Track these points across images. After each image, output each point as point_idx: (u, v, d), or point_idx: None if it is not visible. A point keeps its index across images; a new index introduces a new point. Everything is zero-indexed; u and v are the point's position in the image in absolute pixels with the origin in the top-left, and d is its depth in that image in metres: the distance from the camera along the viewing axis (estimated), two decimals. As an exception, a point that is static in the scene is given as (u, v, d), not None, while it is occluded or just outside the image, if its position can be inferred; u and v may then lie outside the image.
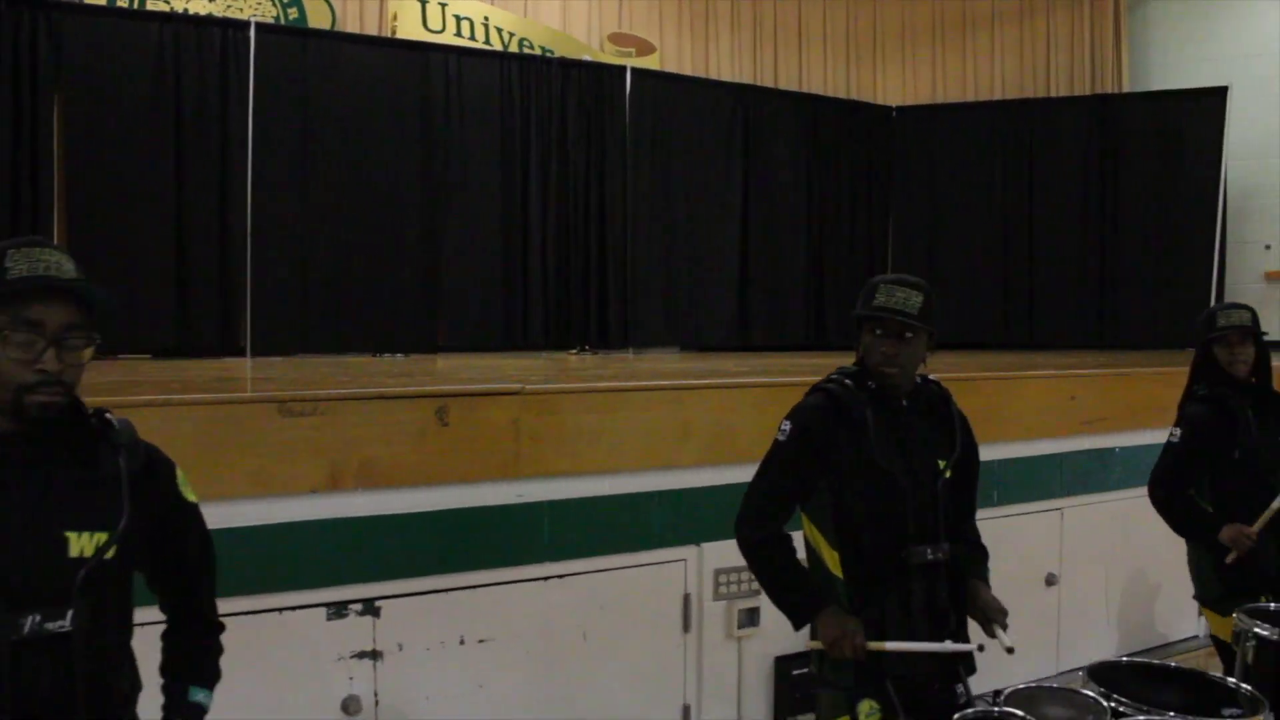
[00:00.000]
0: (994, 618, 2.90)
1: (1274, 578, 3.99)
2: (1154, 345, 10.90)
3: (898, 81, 12.38)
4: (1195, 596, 4.22)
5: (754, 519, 3.05)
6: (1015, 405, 5.57)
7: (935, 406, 3.06)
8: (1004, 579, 5.67)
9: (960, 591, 3.02)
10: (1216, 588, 4.10)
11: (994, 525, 5.55)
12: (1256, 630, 3.34)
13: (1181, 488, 4.16)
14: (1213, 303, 10.92)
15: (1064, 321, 11.44)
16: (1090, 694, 2.75)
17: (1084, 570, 5.94)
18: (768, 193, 11.11)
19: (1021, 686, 2.83)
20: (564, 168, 10.08)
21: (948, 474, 2.99)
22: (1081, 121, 11.47)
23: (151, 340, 8.43)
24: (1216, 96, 11.03)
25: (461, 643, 4.13)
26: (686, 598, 4.57)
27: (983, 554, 3.17)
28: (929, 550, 2.93)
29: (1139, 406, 6.12)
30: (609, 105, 10.29)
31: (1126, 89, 12.03)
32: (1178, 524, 4.16)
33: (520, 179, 9.90)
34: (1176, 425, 4.19)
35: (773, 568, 3.03)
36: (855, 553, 2.96)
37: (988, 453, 5.47)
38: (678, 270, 10.62)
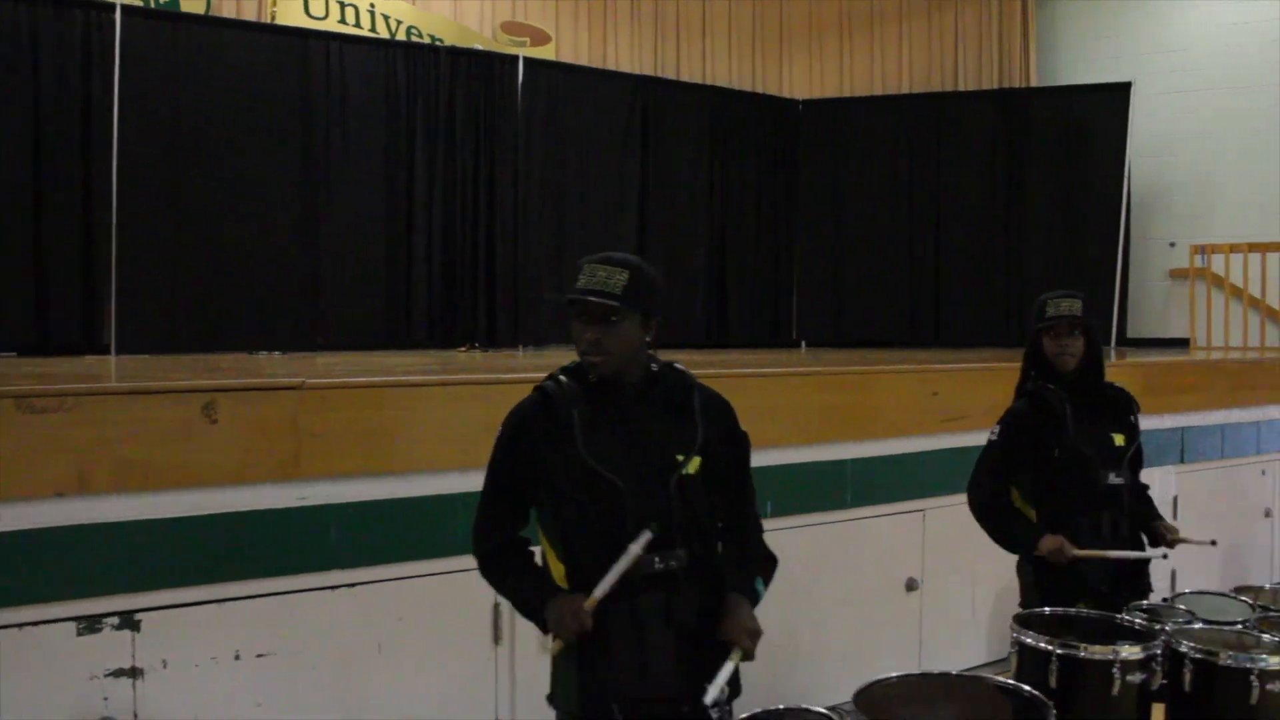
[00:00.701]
0: (734, 640, 2.60)
1: (1093, 588, 3.74)
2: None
3: (804, 74, 12.17)
4: (1020, 607, 3.96)
5: (478, 532, 2.78)
6: (873, 402, 5.31)
7: (674, 396, 2.76)
8: (860, 584, 5.50)
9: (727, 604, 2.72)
10: (1035, 597, 3.86)
11: (849, 528, 5.36)
12: (1022, 639, 3.12)
13: (1000, 490, 3.90)
14: (1117, 301, 10.81)
15: (971, 319, 11.28)
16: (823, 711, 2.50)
17: (948, 575, 5.70)
18: (668, 187, 10.84)
19: (759, 711, 2.55)
20: (452, 160, 9.74)
21: (689, 470, 2.69)
22: (988, 116, 11.33)
23: (12, 338, 8.03)
24: (1120, 92, 10.91)
25: (237, 658, 3.80)
26: (496, 607, 4.26)
27: (757, 562, 2.86)
28: (657, 559, 2.63)
29: (1006, 403, 5.88)
30: (500, 96, 9.97)
31: (1034, 84, 11.89)
32: (995, 531, 3.91)
33: (405, 171, 9.56)
34: (998, 422, 3.94)
35: (501, 578, 2.75)
36: (578, 565, 2.66)
37: (842, 451, 5.31)
38: (570, 265, 10.27)
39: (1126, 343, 11.00)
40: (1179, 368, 7.18)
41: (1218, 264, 10.80)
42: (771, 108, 11.64)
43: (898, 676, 2.97)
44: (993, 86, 11.85)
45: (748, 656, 2.59)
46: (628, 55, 11.27)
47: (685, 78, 11.46)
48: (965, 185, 11.32)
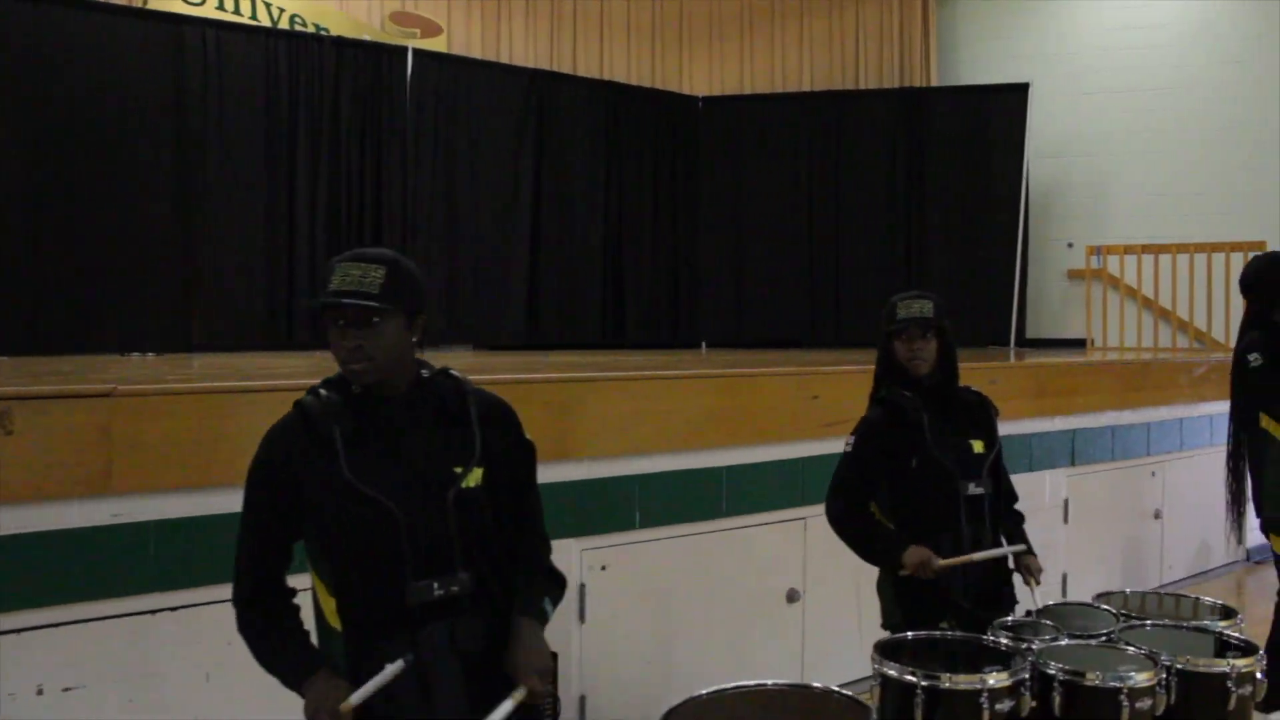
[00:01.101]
0: (519, 677, 2.36)
1: (957, 605, 3.55)
2: (960, 343, 10.62)
3: (705, 70, 11.98)
4: (882, 625, 3.75)
5: (236, 574, 2.48)
6: (749, 406, 5.09)
7: (448, 405, 2.51)
8: (739, 594, 5.29)
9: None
10: (896, 614, 3.66)
11: (725, 538, 5.15)
12: (885, 672, 2.90)
13: (857, 503, 3.68)
14: (1016, 302, 10.77)
15: (872, 319, 11.08)
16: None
17: (831, 585, 5.50)
18: (563, 184, 10.58)
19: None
20: (336, 156, 9.40)
21: (469, 483, 2.44)
22: (889, 115, 11.24)
23: None
24: (1019, 93, 10.90)
25: (40, 693, 3.46)
26: (338, 630, 3.96)
27: (545, 582, 2.64)
28: (436, 585, 2.38)
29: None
30: (388, 90, 9.64)
31: (935, 84, 11.82)
32: (857, 544, 3.69)
33: (287, 167, 9.19)
34: (852, 433, 3.72)
35: (259, 637, 2.45)
36: (351, 598, 2.40)
37: (717, 458, 5.08)
38: (462, 264, 10.01)
39: (1026, 343, 10.97)
40: (1070, 369, 7.08)
41: (1114, 265, 10.80)
42: (671, 104, 11.43)
43: (709, 693, 2.76)
44: (894, 85, 11.74)
45: (532, 698, 2.36)
46: (522, 48, 10.99)
47: (582, 72, 11.20)
48: (866, 184, 11.22)
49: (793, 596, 5.37)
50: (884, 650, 3.07)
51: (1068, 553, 6.92)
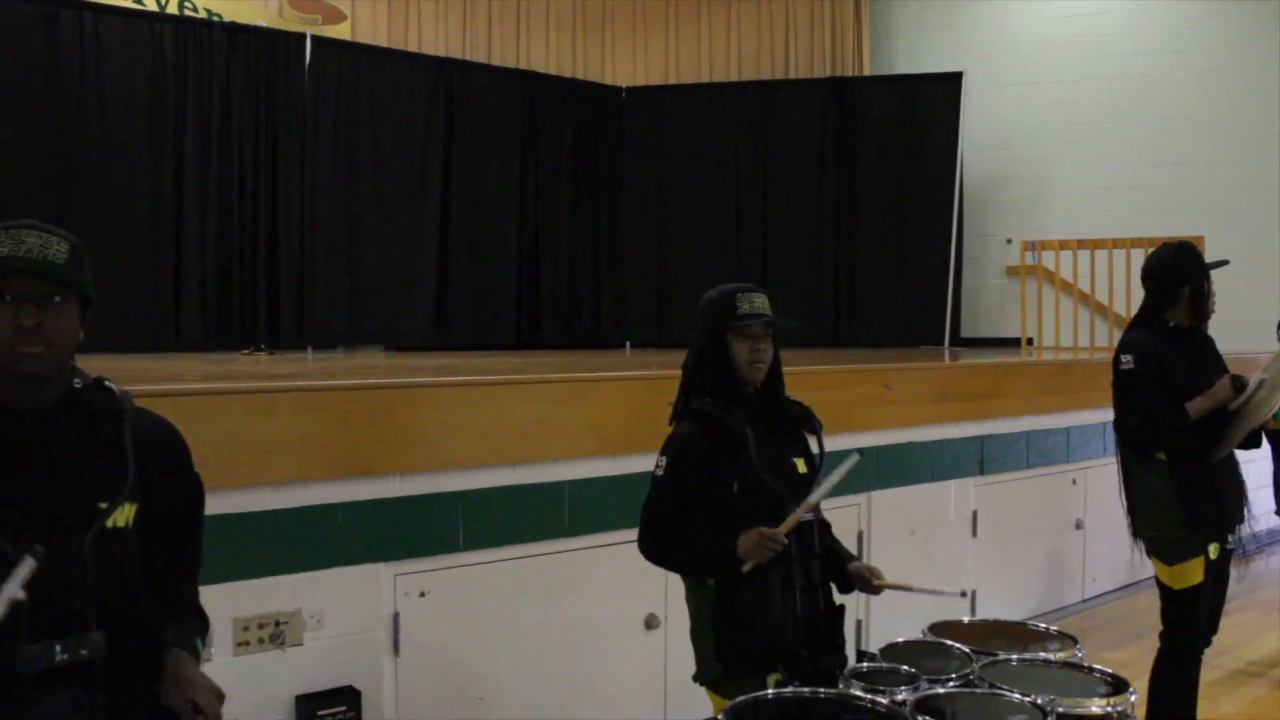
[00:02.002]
0: (192, 700, 1.93)
1: (791, 651, 3.03)
2: (892, 343, 10.28)
3: (628, 60, 11.50)
4: (695, 678, 3.22)
5: None
6: (595, 414, 4.61)
7: (99, 425, 2.04)
8: (587, 621, 4.80)
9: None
10: (715, 667, 3.11)
11: (571, 559, 4.66)
12: None
13: (672, 533, 3.17)
14: (949, 300, 10.35)
15: (800, 317, 10.59)
16: None
17: (699, 607, 5.03)
18: (475, 179, 10.08)
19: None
20: (228, 148, 8.88)
21: (117, 522, 1.97)
22: (819, 106, 10.79)
23: None
24: (952, 83, 10.47)
25: None
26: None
27: (196, 621, 2.22)
28: (60, 648, 1.89)
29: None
30: (285, 79, 9.13)
31: (868, 74, 11.39)
32: (685, 564, 3.17)
33: (173, 160, 8.66)
34: (662, 452, 3.19)
35: None
36: None
37: (556, 472, 4.60)
38: (365, 262, 9.50)
39: (961, 343, 10.54)
40: (978, 371, 6.64)
41: (1052, 261, 10.38)
42: (593, 95, 10.96)
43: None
44: (825, 75, 11.30)
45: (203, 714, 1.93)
46: (433, 36, 10.48)
47: (497, 62, 10.71)
48: (795, 178, 10.79)
49: (651, 623, 4.90)
50: (739, 716, 2.56)
51: (977, 569, 6.48)
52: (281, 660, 3.80)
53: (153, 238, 8.58)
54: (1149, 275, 4.28)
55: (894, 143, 10.64)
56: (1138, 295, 4.27)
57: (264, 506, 3.75)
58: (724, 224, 10.85)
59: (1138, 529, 4.20)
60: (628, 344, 10.89)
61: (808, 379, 5.59)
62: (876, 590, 3.21)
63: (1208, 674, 5.67)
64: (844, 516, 5.64)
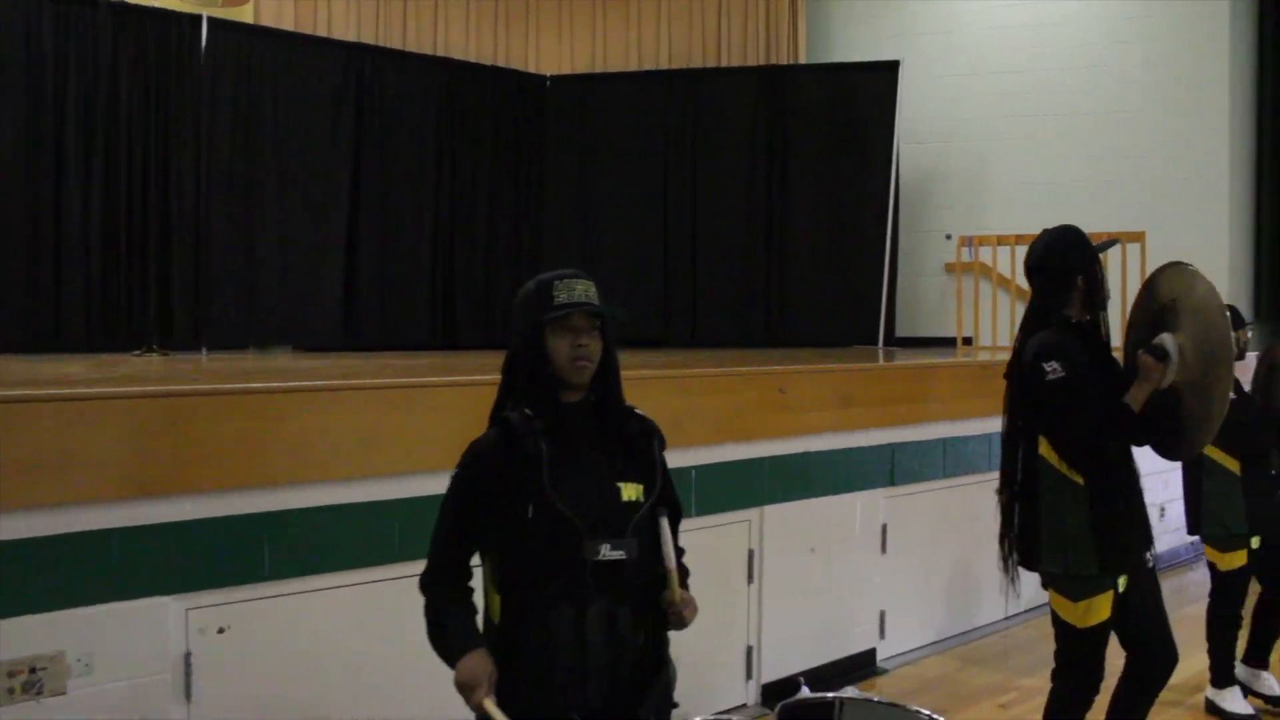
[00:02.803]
0: None
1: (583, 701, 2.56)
2: (825, 342, 9.86)
3: (553, 48, 11.01)
4: None
5: None
6: (427, 423, 4.10)
7: None
8: (431, 653, 4.32)
9: None
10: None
11: (409, 585, 4.19)
12: None
13: (452, 566, 2.69)
14: (884, 298, 9.93)
15: (730, 316, 10.30)
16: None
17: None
18: (387, 170, 9.59)
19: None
20: (115, 137, 8.34)
21: None
22: (750, 95, 10.35)
23: None
24: (889, 72, 10.04)
25: None
26: None
27: None
28: None
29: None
30: (179, 63, 8.60)
31: (803, 62, 10.95)
32: (428, 628, 2.70)
33: (52, 148, 8.11)
34: (459, 465, 2.69)
35: None
36: None
37: (383, 490, 4.09)
38: (268, 258, 8.99)
39: (896, 342, 10.12)
40: (887, 374, 6.22)
41: (990, 258, 9.93)
42: (515, 84, 10.49)
43: None
44: (759, 63, 10.85)
45: None
46: (344, 21, 9.94)
47: (413, 49, 10.20)
48: (726, 170, 10.35)
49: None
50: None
51: (887, 587, 6.03)
52: (38, 712, 3.30)
53: (31, 234, 8.06)
54: (1037, 268, 3.82)
55: (829, 134, 10.22)
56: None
57: (15, 534, 3.26)
58: (651, 219, 10.39)
59: (1039, 562, 3.70)
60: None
61: (695, 383, 5.15)
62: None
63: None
64: (732, 534, 5.19)
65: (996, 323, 9.49)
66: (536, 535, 2.58)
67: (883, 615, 5.98)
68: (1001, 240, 9.50)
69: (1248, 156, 10.81)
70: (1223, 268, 10.26)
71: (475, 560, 2.72)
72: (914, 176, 10.72)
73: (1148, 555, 3.75)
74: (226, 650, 3.71)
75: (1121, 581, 3.61)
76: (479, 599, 2.71)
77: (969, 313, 9.71)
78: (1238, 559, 5.02)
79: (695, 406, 4.88)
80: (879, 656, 6.00)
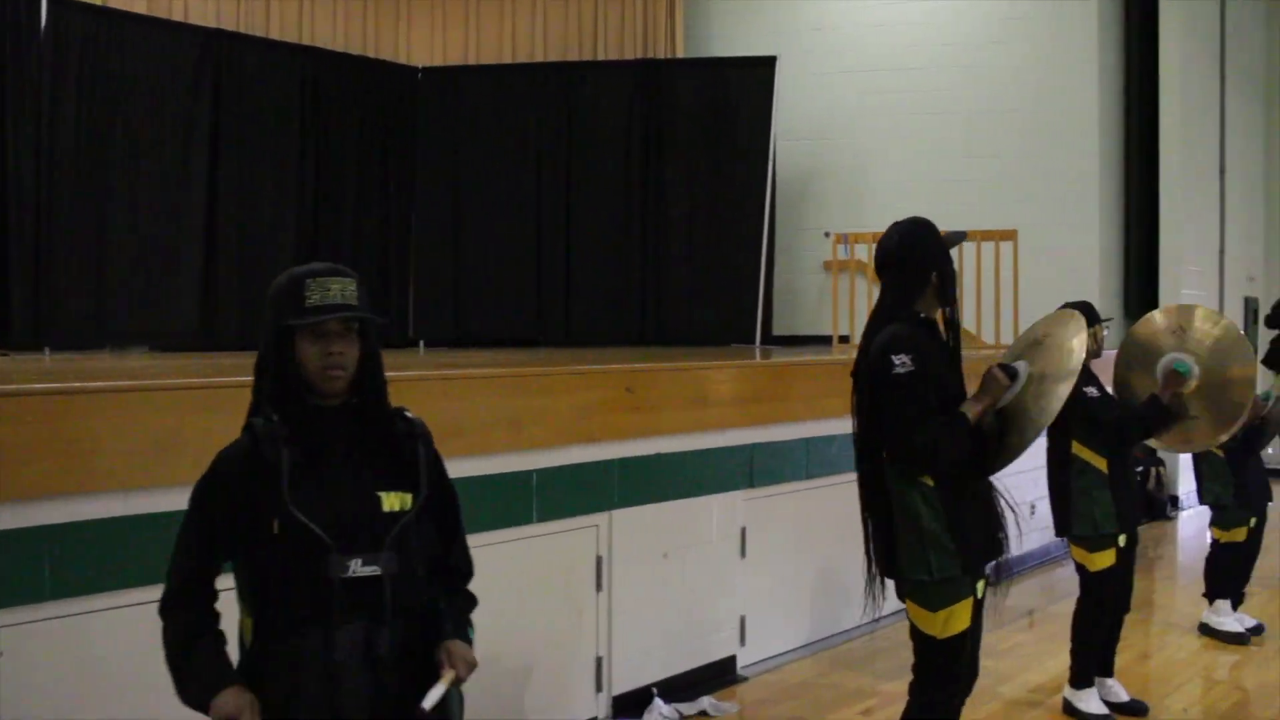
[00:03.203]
0: None
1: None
2: (701, 341, 9.72)
3: (425, 38, 10.73)
4: None
5: None
6: (221, 426, 3.78)
7: None
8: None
9: None
10: None
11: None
12: None
13: (194, 586, 2.44)
14: (761, 296, 9.82)
15: (605, 315, 10.12)
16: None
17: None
18: (247, 162, 9.22)
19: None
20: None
21: None
22: (627, 89, 10.15)
23: None
24: (765, 66, 9.92)
25: None
26: None
27: None
28: None
29: (488, 422, 4.55)
30: (15, 44, 8.13)
31: (681, 56, 10.80)
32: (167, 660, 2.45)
33: None
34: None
35: None
36: None
37: (167, 501, 3.75)
38: (118, 254, 8.55)
39: (773, 341, 10.02)
40: (744, 373, 6.07)
41: (867, 254, 9.87)
42: (385, 75, 10.17)
43: None
44: (636, 56, 10.67)
45: None
46: (201, 6, 9.53)
47: (276, 36, 9.82)
48: (601, 166, 10.18)
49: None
50: None
51: (747, 592, 5.86)
52: None
53: None
54: (888, 263, 3.67)
55: (705, 130, 10.09)
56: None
57: None
58: (525, 215, 10.15)
59: (900, 570, 3.53)
60: (421, 344, 10.13)
61: (536, 382, 4.92)
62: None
63: (986, 705, 5.21)
64: (579, 541, 4.97)
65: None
66: (281, 552, 2.36)
67: (743, 621, 5.82)
68: (877, 237, 9.42)
69: (1117, 155, 10.95)
70: (1094, 264, 10.37)
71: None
72: (793, 174, 10.64)
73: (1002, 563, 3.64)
74: (3, 676, 3.39)
75: (980, 586, 3.50)
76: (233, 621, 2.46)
77: (844, 310, 9.61)
78: (1105, 559, 4.99)
79: (536, 407, 4.66)
80: (740, 664, 5.82)
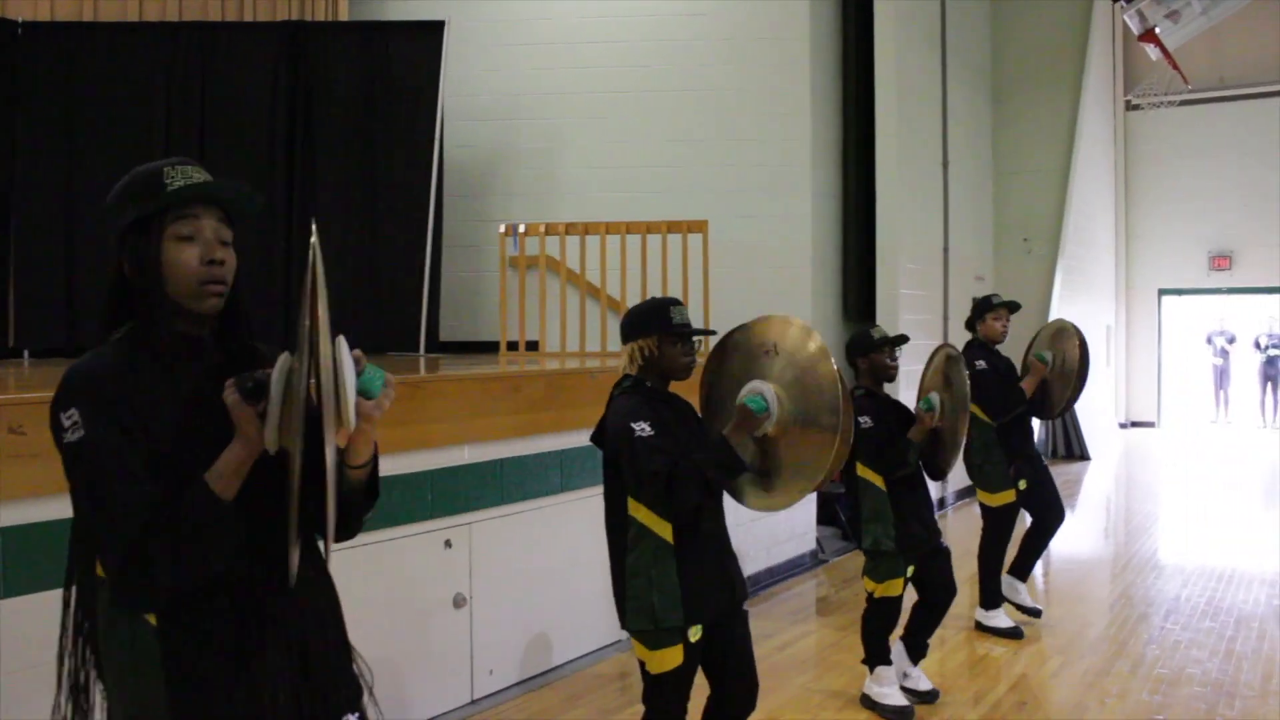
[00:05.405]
0: None
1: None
2: (355, 347, 8.28)
3: (28, -10, 9.03)
4: None
5: None
6: None
7: None
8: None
9: None
10: None
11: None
12: None
13: None
14: (425, 297, 8.54)
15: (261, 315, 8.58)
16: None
17: None
18: None
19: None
20: None
21: None
22: (270, 55, 8.68)
23: None
24: (432, 33, 8.63)
25: None
26: None
27: None
28: None
29: None
30: None
31: (344, 19, 9.42)
32: None
33: None
34: None
35: None
36: None
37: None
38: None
39: (440, 348, 8.75)
40: (420, 389, 4.85)
41: (560, 249, 8.64)
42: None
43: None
44: (291, 17, 9.25)
45: None
46: None
47: None
48: (241, 144, 8.66)
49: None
50: None
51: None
52: None
53: None
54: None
55: (362, 106, 8.70)
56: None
57: None
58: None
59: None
60: (26, 354, 8.44)
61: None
62: None
63: None
64: None
65: (566, 324, 8.21)
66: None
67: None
68: (570, 229, 8.22)
69: (833, 148, 10.11)
70: (805, 261, 9.48)
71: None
72: (476, 160, 9.43)
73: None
74: None
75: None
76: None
77: (515, 312, 8.38)
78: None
79: None
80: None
